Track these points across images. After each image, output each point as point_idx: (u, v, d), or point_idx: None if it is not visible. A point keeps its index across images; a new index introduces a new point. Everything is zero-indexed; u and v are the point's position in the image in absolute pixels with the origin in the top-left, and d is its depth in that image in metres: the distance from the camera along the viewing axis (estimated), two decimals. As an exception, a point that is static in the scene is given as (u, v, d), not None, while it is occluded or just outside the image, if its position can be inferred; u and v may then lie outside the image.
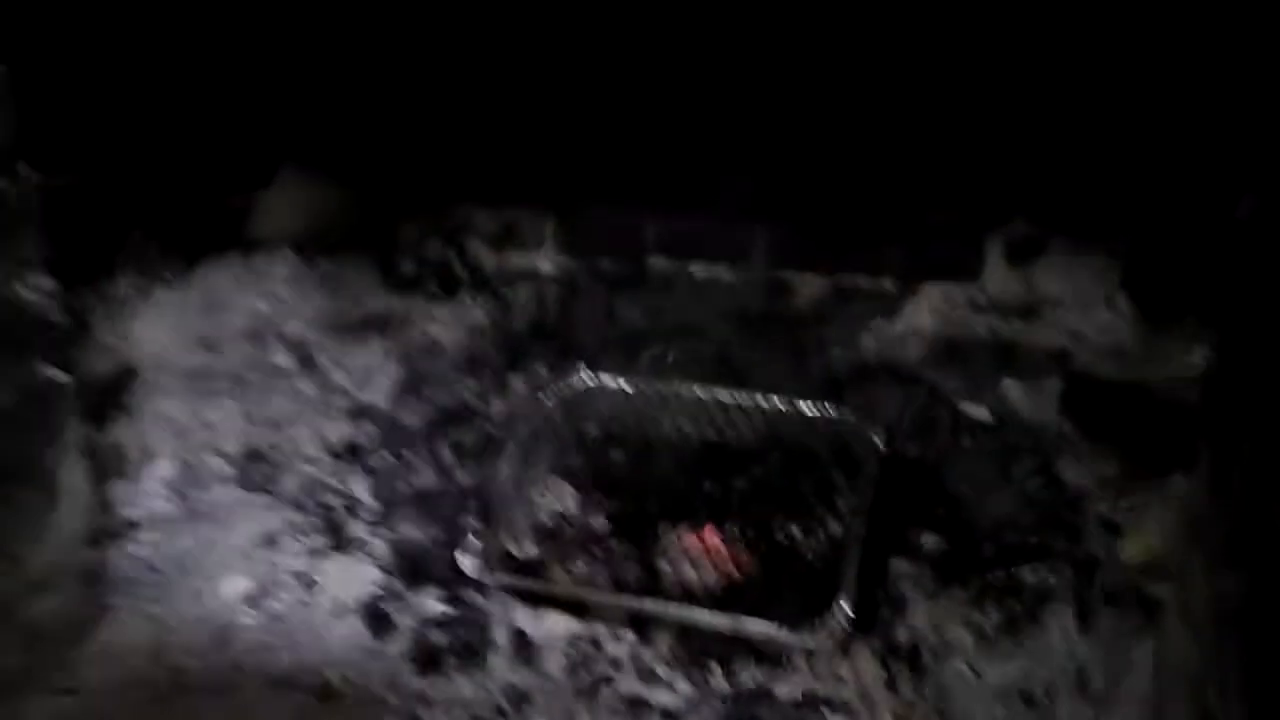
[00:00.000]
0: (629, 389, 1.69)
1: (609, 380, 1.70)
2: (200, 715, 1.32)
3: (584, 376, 1.71)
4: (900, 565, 1.45)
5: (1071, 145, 1.60)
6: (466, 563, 1.45)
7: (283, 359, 1.86)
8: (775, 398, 1.62)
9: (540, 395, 1.70)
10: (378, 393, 1.83)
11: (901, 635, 1.37)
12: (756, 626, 1.31)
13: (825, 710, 1.28)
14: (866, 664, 1.33)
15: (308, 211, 2.06)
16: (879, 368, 1.77)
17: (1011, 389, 1.71)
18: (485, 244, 2.07)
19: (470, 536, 1.48)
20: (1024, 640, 1.33)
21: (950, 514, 1.53)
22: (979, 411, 1.68)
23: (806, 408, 1.61)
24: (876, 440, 1.54)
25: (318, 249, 2.06)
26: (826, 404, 1.61)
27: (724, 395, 1.65)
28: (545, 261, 2.04)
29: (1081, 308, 1.72)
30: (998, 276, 1.79)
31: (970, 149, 1.66)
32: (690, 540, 1.47)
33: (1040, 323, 1.75)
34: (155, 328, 1.87)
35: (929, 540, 1.50)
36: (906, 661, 1.33)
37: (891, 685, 1.31)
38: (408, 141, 1.96)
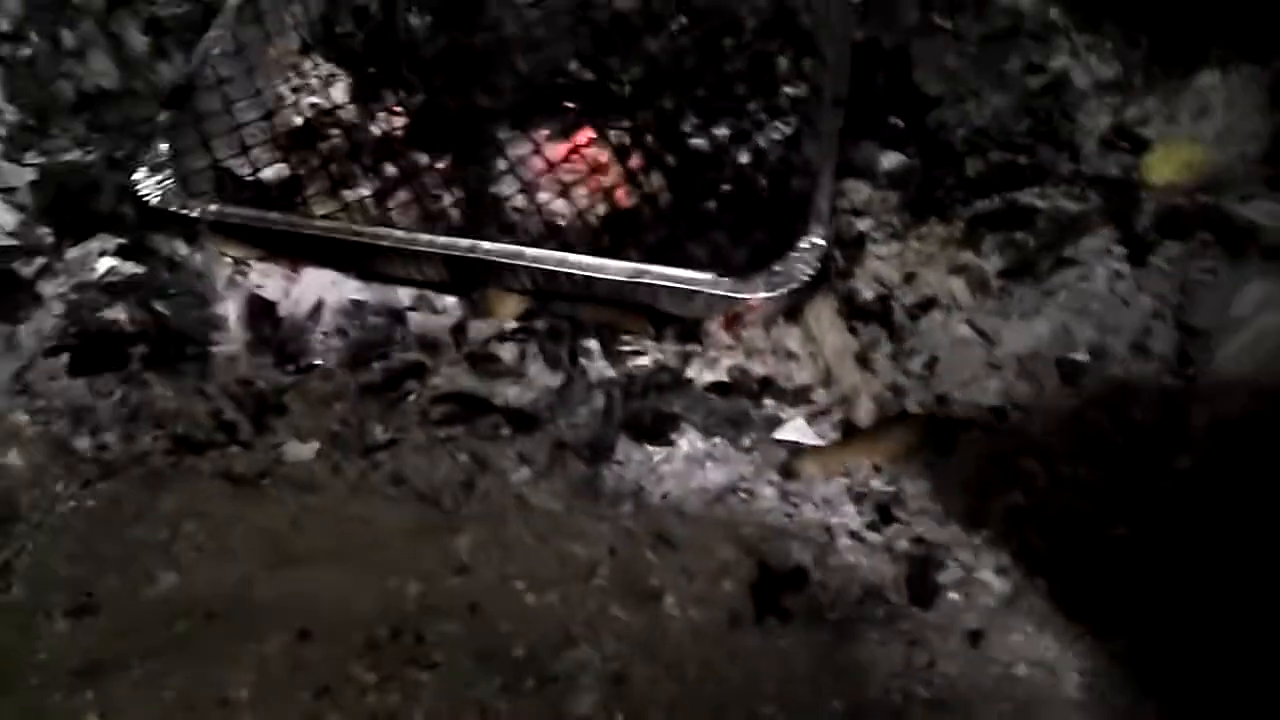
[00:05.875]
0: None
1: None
2: None
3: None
4: (858, 190, 0.96)
5: None
6: (151, 188, 0.84)
7: None
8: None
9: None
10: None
11: (864, 289, 0.90)
12: (663, 278, 0.80)
13: (767, 400, 0.81)
14: (826, 327, 0.86)
15: None
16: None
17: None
18: None
19: (161, 149, 0.86)
20: (1049, 289, 0.89)
21: (916, 120, 1.03)
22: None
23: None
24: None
25: None
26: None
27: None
28: None
29: None
30: None
31: None
32: (553, 150, 0.91)
33: None
34: None
35: (890, 158, 1.00)
36: (879, 322, 0.87)
37: (864, 361, 0.85)
38: None
